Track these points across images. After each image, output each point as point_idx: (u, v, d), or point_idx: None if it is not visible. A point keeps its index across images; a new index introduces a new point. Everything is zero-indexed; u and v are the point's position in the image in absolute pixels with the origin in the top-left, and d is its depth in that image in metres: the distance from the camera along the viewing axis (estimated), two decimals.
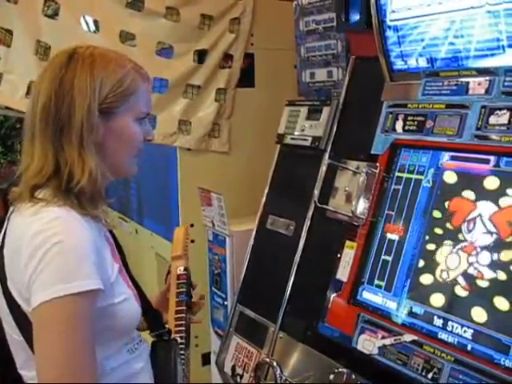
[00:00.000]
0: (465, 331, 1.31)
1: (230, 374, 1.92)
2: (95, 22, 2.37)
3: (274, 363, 1.60)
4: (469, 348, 1.29)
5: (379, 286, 1.52)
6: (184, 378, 1.43)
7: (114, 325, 1.16)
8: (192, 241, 2.50)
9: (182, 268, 1.64)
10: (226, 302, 2.23)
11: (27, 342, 1.10)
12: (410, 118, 1.58)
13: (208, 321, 2.38)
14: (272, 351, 1.77)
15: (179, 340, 1.47)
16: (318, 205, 1.71)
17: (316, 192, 1.72)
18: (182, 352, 1.45)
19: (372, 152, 1.63)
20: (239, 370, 1.88)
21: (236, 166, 2.48)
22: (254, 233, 2.00)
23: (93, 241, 1.10)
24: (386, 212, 1.56)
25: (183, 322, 1.52)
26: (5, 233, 1.17)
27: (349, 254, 1.61)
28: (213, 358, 2.26)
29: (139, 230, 3.07)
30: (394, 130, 1.61)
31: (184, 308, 1.56)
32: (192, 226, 2.49)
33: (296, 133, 1.92)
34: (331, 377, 1.52)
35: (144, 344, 1.32)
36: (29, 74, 2.24)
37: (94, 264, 1.07)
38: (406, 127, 1.58)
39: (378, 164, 1.60)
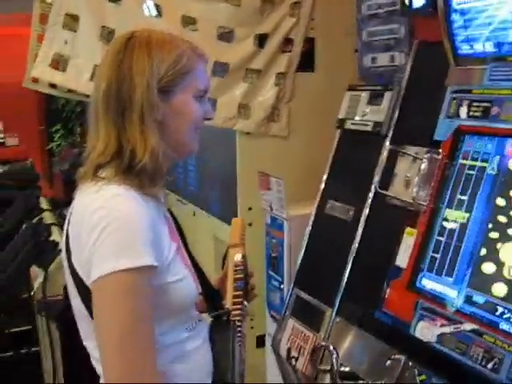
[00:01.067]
0: None
1: (285, 357, 1.95)
2: (157, 7, 2.41)
3: (331, 347, 1.62)
4: None
5: (439, 274, 1.50)
6: (242, 361, 1.46)
7: (169, 303, 1.20)
8: (250, 224, 2.54)
9: (239, 256, 1.67)
10: (282, 286, 2.25)
11: (90, 314, 1.15)
12: (474, 104, 1.55)
13: (264, 303, 2.42)
14: (328, 335, 1.78)
15: (238, 324, 1.51)
16: (379, 190, 1.70)
17: (376, 178, 1.71)
18: (239, 335, 1.48)
19: (435, 138, 1.61)
20: (294, 353, 1.91)
21: (295, 150, 2.48)
22: (312, 217, 2.02)
23: (150, 219, 1.13)
24: (448, 199, 1.54)
25: (240, 307, 1.55)
26: (71, 213, 1.22)
27: (408, 241, 1.60)
28: (268, 341, 2.28)
29: (197, 212, 3.12)
30: (457, 115, 1.58)
31: (241, 293, 1.59)
32: (250, 209, 2.52)
33: (357, 118, 1.91)
34: (388, 363, 1.53)
35: (202, 324, 1.36)
36: (93, 58, 2.30)
37: (150, 241, 1.11)
38: (471, 113, 1.55)
39: (440, 150, 1.58)
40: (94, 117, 1.22)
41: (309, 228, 2.02)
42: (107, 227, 1.09)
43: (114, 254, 1.08)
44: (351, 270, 1.77)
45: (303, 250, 2.02)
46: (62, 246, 1.26)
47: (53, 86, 2.66)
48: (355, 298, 1.75)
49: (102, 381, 1.26)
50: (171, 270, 1.19)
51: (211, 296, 1.45)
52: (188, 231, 1.52)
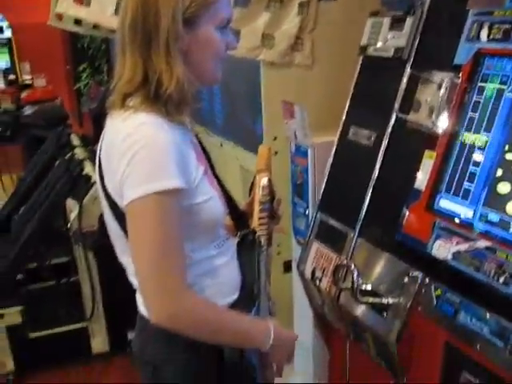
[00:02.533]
0: None
1: (310, 278, 2.04)
2: None
3: (352, 266, 1.69)
4: None
5: (456, 195, 1.55)
6: (266, 275, 1.55)
7: (199, 221, 1.28)
8: (276, 153, 2.59)
9: (266, 180, 1.73)
10: (307, 211, 2.32)
11: (125, 234, 1.24)
12: (495, 26, 1.55)
13: (290, 230, 2.50)
14: (350, 256, 1.86)
15: (262, 242, 1.59)
16: (399, 115, 1.73)
17: (397, 103, 1.74)
18: (264, 253, 1.57)
19: (455, 62, 1.62)
20: (318, 274, 2.00)
21: (319, 79, 2.49)
22: (335, 144, 2.06)
23: (177, 144, 1.19)
24: (467, 122, 1.57)
25: (266, 227, 1.63)
26: (102, 139, 1.30)
27: (428, 164, 1.65)
28: (294, 265, 2.38)
29: (224, 143, 3.18)
30: (478, 39, 1.58)
31: (267, 215, 1.66)
32: (275, 139, 2.57)
33: (379, 44, 1.92)
34: (405, 280, 1.61)
35: (230, 242, 1.45)
36: None
37: (178, 165, 1.18)
38: (491, 36, 1.55)
39: (460, 74, 1.59)
40: (121, 48, 1.26)
41: (332, 154, 2.06)
42: (136, 154, 1.16)
43: (144, 178, 1.16)
44: (373, 193, 1.83)
45: (326, 176, 2.07)
46: (96, 171, 1.35)
47: (77, 22, 2.70)
48: (376, 220, 1.81)
49: (138, 294, 1.37)
50: (200, 191, 1.26)
51: (238, 217, 1.53)
52: (215, 162, 1.60)
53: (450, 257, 1.50)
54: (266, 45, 2.41)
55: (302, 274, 2.13)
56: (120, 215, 1.24)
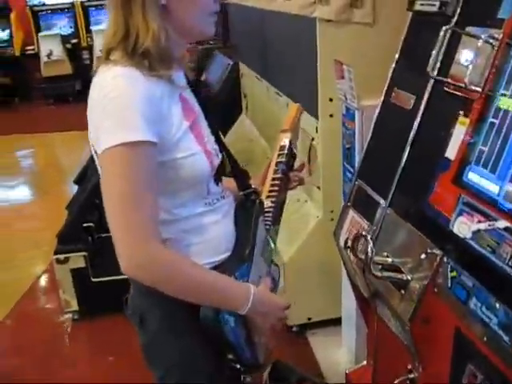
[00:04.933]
0: None
1: (343, 247, 1.90)
2: None
3: (368, 237, 1.53)
4: None
5: (485, 167, 1.34)
6: (267, 241, 1.44)
7: (180, 177, 1.22)
8: (331, 115, 2.44)
9: (286, 140, 1.61)
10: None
11: None
12: None
13: (340, 195, 2.35)
14: (380, 227, 1.70)
15: (269, 204, 1.48)
16: (433, 77, 1.52)
17: (431, 62, 1.53)
18: (269, 218, 1.45)
19: (498, 16, 1.38)
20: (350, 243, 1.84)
21: (380, 37, 2.26)
22: (378, 107, 1.87)
23: (150, 98, 1.14)
24: (504, 85, 1.34)
25: (276, 189, 1.51)
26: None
27: (460, 131, 1.43)
28: None
29: (290, 104, 3.04)
30: None
31: (280, 176, 1.54)
32: (331, 100, 2.40)
33: None
34: (422, 256, 1.43)
35: (226, 200, 1.37)
36: None
37: (147, 119, 1.12)
38: None
39: (502, 30, 1.35)
40: (107, 4, 1.23)
41: (375, 117, 1.88)
42: (106, 106, 1.13)
43: (112, 129, 1.12)
44: (406, 161, 1.64)
45: (368, 141, 1.90)
46: None
47: None
48: (407, 190, 1.62)
49: None
50: (180, 147, 1.20)
51: (239, 176, 1.43)
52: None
53: (469, 235, 1.31)
54: (321, 1, 2.22)
55: (337, 241, 1.98)
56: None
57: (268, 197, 1.50)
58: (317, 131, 2.54)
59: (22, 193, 5.68)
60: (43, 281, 3.65)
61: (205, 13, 1.22)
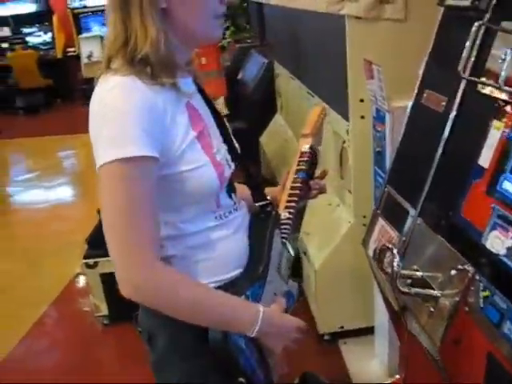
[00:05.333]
0: None
1: (372, 257, 1.79)
2: None
3: (395, 251, 1.43)
4: None
5: None
6: (283, 255, 1.35)
7: (186, 191, 1.14)
8: (362, 117, 2.33)
9: (307, 146, 1.52)
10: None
11: None
12: None
13: (372, 200, 2.24)
14: (409, 238, 1.59)
15: (286, 215, 1.39)
16: (464, 77, 1.40)
17: (462, 61, 1.41)
18: (286, 230, 1.36)
19: None
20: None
21: (411, 35, 2.12)
22: (408, 109, 1.76)
23: (152, 109, 1.06)
24: None
25: (295, 199, 1.42)
26: None
27: (494, 137, 1.32)
28: None
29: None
30: None
31: (299, 185, 1.45)
32: (362, 101, 2.29)
33: None
34: (453, 272, 1.32)
35: (239, 213, 1.29)
36: None
37: (148, 132, 1.05)
38: None
39: None
40: (107, 10, 1.16)
41: (405, 120, 1.76)
42: (103, 119, 1.06)
43: (108, 144, 1.05)
44: (437, 168, 1.52)
45: (398, 145, 1.79)
46: None
47: None
48: (438, 199, 1.51)
49: None
50: (186, 159, 1.13)
51: (254, 187, 1.35)
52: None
53: (503, 252, 1.19)
54: None
55: (366, 250, 1.88)
56: None
57: (286, 207, 1.40)
58: (348, 133, 2.43)
59: (61, 193, 5.74)
60: (76, 284, 3.66)
61: (209, 16, 1.14)
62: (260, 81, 4.82)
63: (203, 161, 1.15)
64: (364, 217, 2.47)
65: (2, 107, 8.70)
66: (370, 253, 1.82)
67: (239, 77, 5.43)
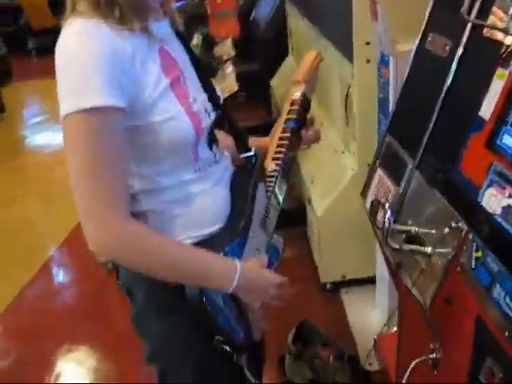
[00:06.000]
0: None
1: (369, 209, 1.72)
2: None
3: (387, 205, 1.36)
4: None
5: None
6: (269, 209, 1.29)
7: (159, 143, 1.08)
8: (368, 61, 2.22)
9: (298, 94, 1.42)
10: None
11: None
12: None
13: (375, 148, 2.15)
14: (405, 191, 1.51)
15: (273, 167, 1.32)
16: (469, 19, 1.29)
17: (467, 2, 1.29)
18: (272, 183, 1.29)
19: None
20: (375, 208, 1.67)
21: None
22: (412, 53, 1.64)
23: (116, 55, 0.99)
24: None
25: (283, 150, 1.34)
26: None
27: (497, 86, 1.21)
28: None
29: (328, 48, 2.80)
30: None
31: (288, 135, 1.36)
32: (368, 44, 2.17)
33: None
34: (446, 230, 1.25)
35: (219, 166, 1.22)
36: None
37: (112, 80, 0.98)
38: None
39: None
40: None
41: (408, 64, 1.65)
42: (64, 67, 1.00)
43: (70, 95, 0.99)
44: (437, 118, 1.43)
45: (400, 91, 1.68)
46: None
47: None
48: (437, 151, 1.42)
49: None
50: (158, 108, 1.05)
51: (238, 137, 1.28)
52: None
53: (498, 211, 1.11)
54: None
55: (364, 202, 1.81)
56: None
57: (274, 159, 1.33)
58: (353, 78, 2.31)
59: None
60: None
61: None
62: (272, 20, 4.64)
63: (177, 111, 1.08)
64: (368, 165, 2.37)
65: (14, 49, 8.57)
66: (368, 205, 1.75)
67: (252, 17, 5.24)
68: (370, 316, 2.48)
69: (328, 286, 2.71)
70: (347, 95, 2.50)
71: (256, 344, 1.29)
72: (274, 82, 4.58)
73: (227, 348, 1.18)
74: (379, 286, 2.46)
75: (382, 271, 2.36)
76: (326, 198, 2.59)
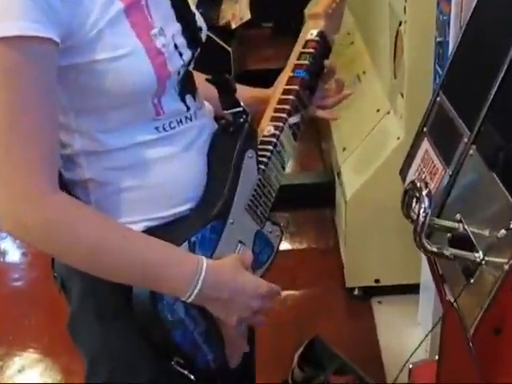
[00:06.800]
0: None
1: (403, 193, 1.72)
2: None
3: (424, 192, 1.33)
4: None
5: None
6: (261, 187, 1.26)
7: (106, 88, 1.07)
8: None
9: (314, 32, 1.39)
10: None
11: None
12: None
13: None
14: (456, 172, 1.48)
15: (271, 130, 1.30)
16: None
17: None
18: (267, 152, 1.27)
19: None
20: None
21: None
22: None
23: None
24: None
25: (287, 108, 1.32)
26: None
27: None
28: None
29: None
30: None
31: (296, 88, 1.34)
32: None
33: None
34: (502, 232, 1.22)
35: (193, 123, 1.21)
36: None
37: (37, 2, 0.97)
38: None
39: None
40: None
41: (473, 4, 1.62)
42: None
43: None
44: (506, 74, 1.39)
45: (459, 39, 1.65)
46: None
47: None
48: (501, 122, 1.39)
49: None
50: (105, 42, 1.05)
51: (221, 88, 1.27)
52: None
53: None
54: None
55: (403, 179, 1.82)
56: None
57: (272, 119, 1.31)
58: (405, 12, 2.29)
59: None
60: None
61: None
62: None
63: (131, 46, 1.07)
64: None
65: None
66: (406, 186, 1.74)
67: None
68: (408, 336, 2.47)
69: (356, 293, 2.71)
70: (397, 35, 2.49)
71: (233, 373, 1.28)
72: (309, 10, 4.54)
73: (187, 373, 1.17)
74: (424, 298, 2.45)
75: (428, 278, 2.34)
76: (360, 174, 2.58)
